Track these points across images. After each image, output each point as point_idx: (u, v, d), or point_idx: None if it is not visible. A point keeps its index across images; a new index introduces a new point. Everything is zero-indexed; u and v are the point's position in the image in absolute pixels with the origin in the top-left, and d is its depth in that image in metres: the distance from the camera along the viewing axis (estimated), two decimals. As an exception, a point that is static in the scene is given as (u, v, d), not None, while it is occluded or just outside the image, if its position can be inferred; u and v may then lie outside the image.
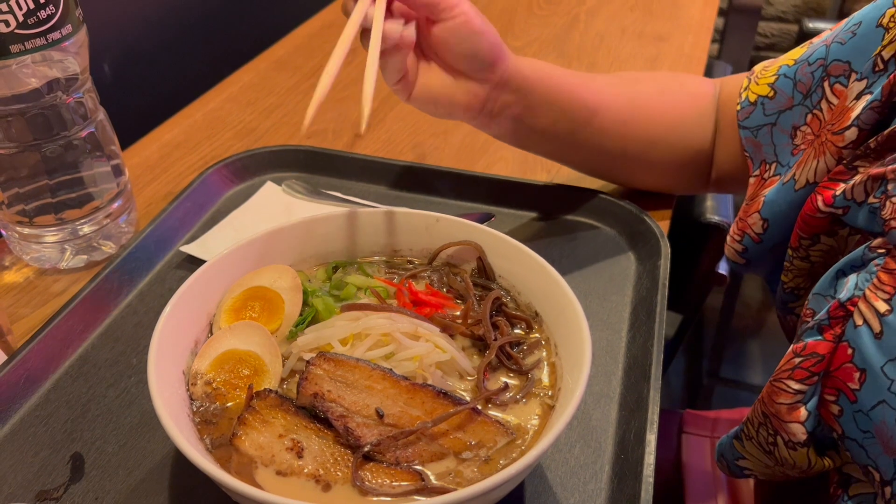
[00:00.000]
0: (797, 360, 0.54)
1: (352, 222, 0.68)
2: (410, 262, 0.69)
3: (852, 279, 0.53)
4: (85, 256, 0.82)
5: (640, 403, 0.64)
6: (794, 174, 0.65)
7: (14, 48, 0.67)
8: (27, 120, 0.72)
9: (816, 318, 0.55)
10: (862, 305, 0.51)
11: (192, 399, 0.55)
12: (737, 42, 2.11)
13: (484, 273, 0.66)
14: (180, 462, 0.60)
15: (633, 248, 0.83)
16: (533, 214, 0.89)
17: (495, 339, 0.58)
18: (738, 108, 0.74)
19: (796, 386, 0.54)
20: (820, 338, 0.54)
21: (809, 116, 0.67)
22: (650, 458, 0.58)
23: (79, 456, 0.61)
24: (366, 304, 0.59)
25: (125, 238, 0.85)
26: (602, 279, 0.79)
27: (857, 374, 0.51)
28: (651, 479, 0.56)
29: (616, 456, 0.61)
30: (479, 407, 0.54)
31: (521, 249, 0.64)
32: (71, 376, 0.68)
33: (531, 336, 0.61)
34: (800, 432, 0.55)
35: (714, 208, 1.10)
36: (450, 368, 0.57)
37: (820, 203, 0.59)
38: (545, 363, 0.59)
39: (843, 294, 0.53)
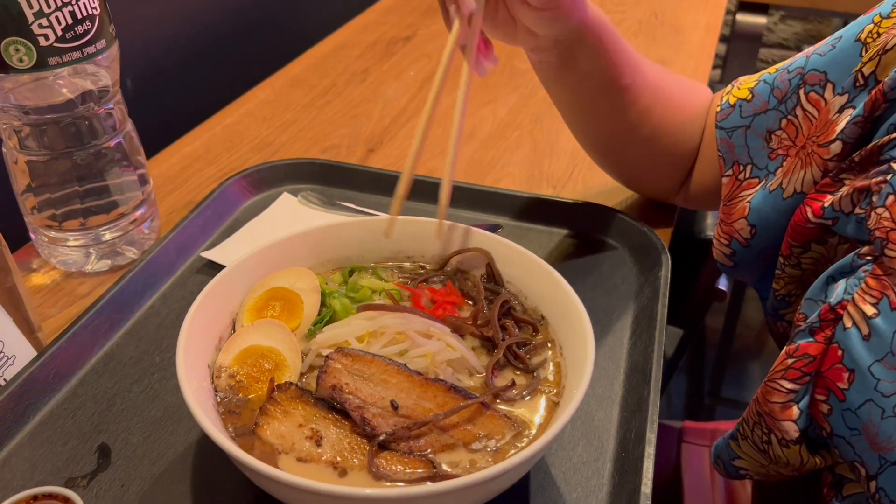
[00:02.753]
0: (790, 360, 0.57)
1: (367, 229, 0.71)
2: (422, 267, 0.72)
3: (842, 284, 0.57)
4: (109, 261, 0.86)
5: (640, 405, 0.67)
6: (781, 183, 0.68)
7: (52, 61, 0.71)
8: (60, 129, 0.76)
9: (808, 321, 0.58)
10: (851, 309, 0.54)
11: (216, 391, 0.58)
12: (738, 68, 2.16)
13: (492, 278, 0.69)
14: (202, 453, 0.63)
15: (635, 261, 0.86)
16: (538, 227, 0.92)
17: (503, 340, 0.61)
18: (718, 109, 0.77)
19: (789, 385, 0.57)
20: (811, 340, 0.57)
21: (784, 122, 0.70)
22: (650, 452, 0.61)
23: (105, 446, 0.64)
24: (381, 305, 0.63)
25: (148, 244, 0.88)
26: (606, 289, 0.83)
27: (846, 375, 0.54)
28: (650, 474, 0.59)
29: (617, 454, 0.64)
30: (488, 401, 0.57)
31: (528, 256, 0.67)
32: (97, 372, 0.71)
33: (537, 338, 0.64)
34: (792, 430, 0.58)
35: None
36: (460, 366, 0.60)
37: (809, 214, 0.62)
38: (550, 363, 0.62)
39: (833, 298, 0.56)
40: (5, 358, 0.67)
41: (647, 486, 0.59)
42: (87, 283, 0.84)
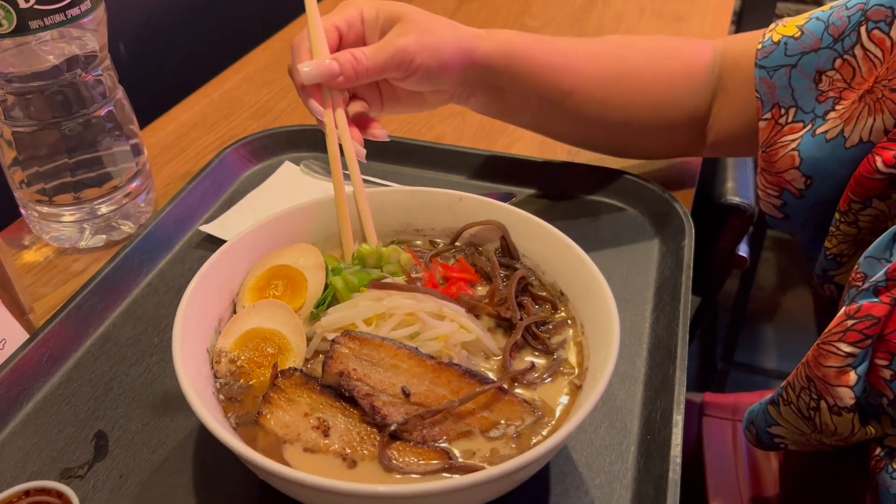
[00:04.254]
0: (850, 322, 0.53)
1: (373, 201, 0.67)
2: (433, 241, 0.68)
3: None
4: (104, 236, 0.82)
5: (665, 384, 0.63)
6: (842, 131, 0.63)
7: (33, 24, 0.67)
8: (46, 98, 0.72)
9: (872, 279, 0.53)
10: None
11: (216, 377, 0.55)
12: (755, 22, 2.08)
13: (508, 252, 0.65)
14: (204, 440, 0.60)
15: (656, 229, 0.82)
16: (554, 194, 0.88)
17: (521, 319, 0.57)
18: (760, 46, 0.71)
19: (847, 349, 0.52)
20: (876, 300, 0.52)
21: (839, 62, 0.65)
22: (677, 439, 0.57)
23: (102, 434, 0.61)
24: (389, 284, 0.59)
25: (144, 217, 0.84)
26: (625, 260, 0.79)
27: None
28: (678, 460, 0.56)
29: (642, 436, 0.61)
30: (506, 386, 0.53)
31: (546, 228, 0.63)
32: (93, 355, 0.68)
33: (557, 316, 0.60)
34: (847, 397, 0.53)
35: (735, 189, 1.09)
36: (475, 348, 0.56)
37: (879, 164, 0.57)
38: (571, 343, 0.58)
39: None
40: (-5, 342, 0.64)
41: (675, 473, 0.55)
42: (82, 259, 0.80)
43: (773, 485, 0.88)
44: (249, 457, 0.45)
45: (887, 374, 0.52)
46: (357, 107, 0.71)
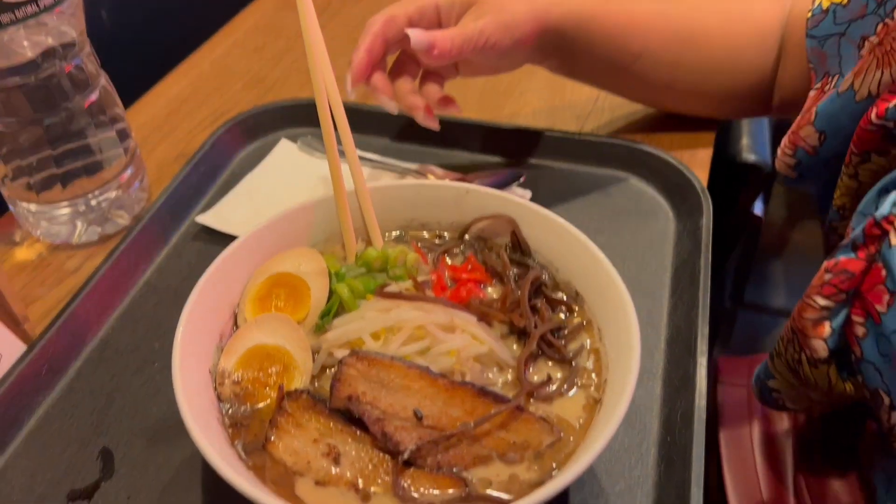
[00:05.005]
0: (827, 276, 0.53)
1: (376, 197, 0.63)
2: (440, 236, 0.65)
3: (892, 196, 0.51)
4: (98, 228, 0.79)
5: (685, 382, 0.61)
6: (853, 83, 0.61)
7: (3, 18, 0.62)
8: (25, 93, 0.68)
9: (852, 235, 0.53)
10: None
11: (220, 400, 0.53)
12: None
13: (519, 248, 0.62)
14: (212, 457, 0.58)
15: (671, 205, 0.79)
16: (564, 167, 0.84)
17: (535, 328, 0.55)
18: (809, 14, 0.70)
19: (823, 302, 0.53)
20: (853, 255, 0.52)
21: (880, 26, 0.63)
22: (699, 443, 0.55)
23: (107, 451, 0.59)
24: (397, 294, 0.56)
25: (139, 207, 0.81)
26: (639, 240, 0.75)
27: (886, 297, 0.50)
28: (702, 463, 0.54)
29: (662, 438, 0.59)
30: (522, 404, 0.51)
31: (559, 224, 0.60)
32: (93, 363, 0.66)
33: (573, 319, 0.58)
34: (821, 349, 0.54)
35: (750, 147, 1.05)
36: (488, 360, 0.54)
37: (873, 115, 0.56)
38: (589, 350, 0.55)
39: (881, 211, 0.50)
40: (-9, 358, 0.62)
41: (698, 480, 0.53)
42: (76, 256, 0.77)
43: (787, 455, 0.87)
44: (262, 501, 0.43)
45: (860, 331, 0.52)
46: (432, 84, 0.75)
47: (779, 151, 0.71)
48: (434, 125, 0.74)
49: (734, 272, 2.26)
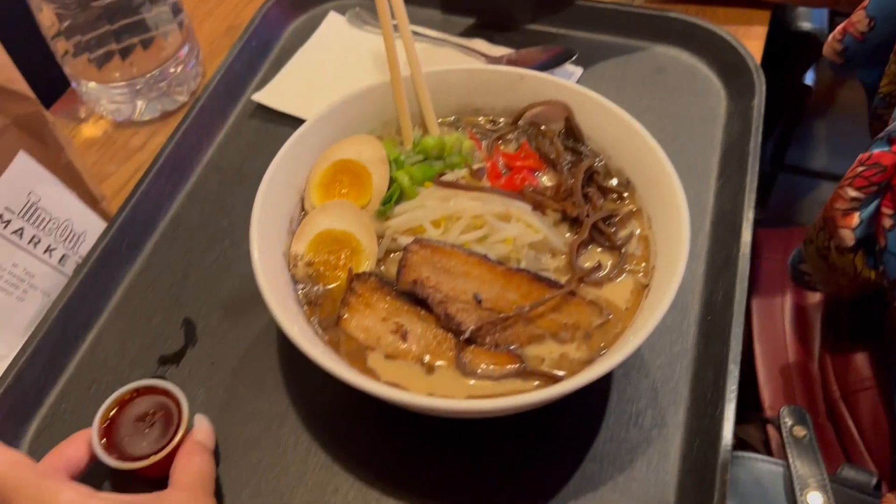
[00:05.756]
0: (860, 168, 0.55)
1: (431, 82, 0.64)
2: (494, 122, 0.66)
3: None
4: (158, 105, 0.81)
5: (728, 263, 0.64)
6: None
7: None
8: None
9: (887, 129, 0.55)
10: None
11: (295, 281, 0.57)
12: None
13: (572, 134, 0.63)
14: (285, 328, 0.63)
15: (723, 83, 0.78)
16: (614, 42, 0.83)
17: (588, 216, 0.57)
18: None
19: (853, 193, 0.56)
20: (886, 149, 0.54)
21: None
22: (738, 323, 0.59)
23: (189, 322, 0.65)
24: (454, 183, 0.58)
25: (195, 83, 0.83)
26: (689, 119, 0.76)
27: None
28: (739, 346, 0.58)
29: (703, 317, 0.63)
30: (574, 288, 0.54)
31: (613, 111, 0.61)
32: (167, 239, 0.70)
33: (623, 207, 0.60)
34: (848, 238, 0.57)
35: (807, 15, 1.01)
36: (542, 247, 0.57)
37: None
38: (638, 237, 0.58)
39: None
40: (75, 235, 0.67)
41: (735, 357, 0.57)
42: (140, 133, 0.80)
43: (815, 328, 0.91)
44: (347, 378, 0.48)
45: (888, 222, 0.55)
46: None
47: (829, 37, 0.70)
48: None
49: (777, 136, 2.22)
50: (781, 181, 2.10)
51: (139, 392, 0.55)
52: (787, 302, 0.95)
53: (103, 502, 0.46)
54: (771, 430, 0.83)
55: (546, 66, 0.77)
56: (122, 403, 0.54)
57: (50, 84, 0.73)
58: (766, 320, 0.94)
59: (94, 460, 0.52)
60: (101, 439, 0.52)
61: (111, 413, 0.53)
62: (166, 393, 0.55)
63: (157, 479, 0.52)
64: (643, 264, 0.57)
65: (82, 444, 0.52)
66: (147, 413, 0.54)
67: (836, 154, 2.13)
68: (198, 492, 0.50)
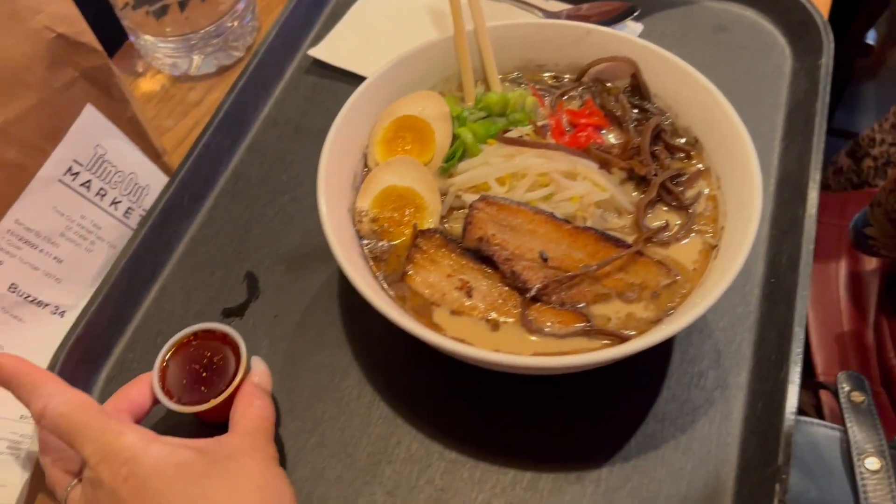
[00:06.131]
0: None
1: (495, 35, 0.64)
2: (557, 78, 0.65)
3: None
4: (215, 60, 0.81)
5: (793, 224, 0.63)
6: None
7: None
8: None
9: None
10: None
11: (360, 237, 0.57)
12: None
13: (638, 91, 0.62)
14: (345, 279, 0.64)
15: (789, 41, 0.76)
16: (678, 1, 0.81)
17: (655, 174, 0.57)
18: None
19: None
20: None
21: None
22: (804, 285, 0.58)
23: (252, 275, 0.65)
24: (520, 140, 0.58)
25: (251, 38, 0.83)
26: (752, 78, 0.74)
27: None
28: (804, 310, 0.57)
29: (766, 279, 0.62)
30: (641, 248, 0.54)
31: (682, 67, 0.59)
32: (228, 194, 0.71)
33: (691, 166, 0.59)
34: None
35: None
36: (609, 206, 0.57)
37: None
38: (706, 196, 0.57)
39: None
40: (140, 188, 0.67)
41: (801, 320, 0.57)
42: (197, 88, 0.81)
43: (871, 295, 0.90)
44: (418, 333, 0.48)
45: None
46: None
47: None
48: None
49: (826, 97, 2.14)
50: (828, 144, 2.05)
51: (197, 336, 0.55)
52: (843, 268, 0.94)
53: (165, 446, 0.46)
54: (824, 395, 0.83)
55: (607, 22, 0.75)
56: (182, 348, 0.54)
57: (108, 38, 0.73)
58: (821, 286, 0.93)
59: (156, 403, 0.52)
60: (161, 383, 0.52)
61: (171, 357, 0.54)
62: (224, 337, 0.55)
63: (217, 423, 0.53)
64: (712, 224, 0.56)
65: (145, 386, 0.52)
66: (205, 357, 0.54)
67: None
68: (259, 437, 0.50)
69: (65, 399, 0.47)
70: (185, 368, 0.53)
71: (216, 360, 0.54)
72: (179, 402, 0.52)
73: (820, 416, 0.78)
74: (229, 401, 0.52)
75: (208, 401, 0.52)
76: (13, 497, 0.55)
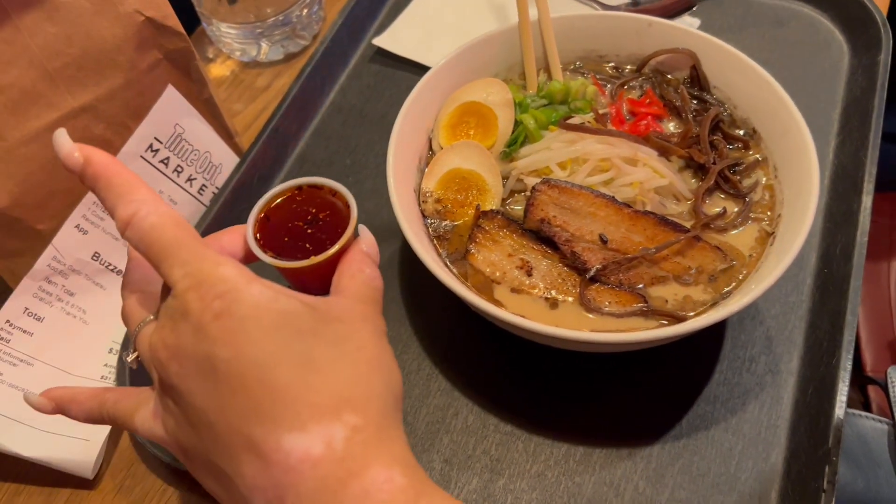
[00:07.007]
0: None
1: (558, 26, 0.66)
2: (617, 68, 0.67)
3: None
4: (282, 48, 0.84)
5: (848, 217, 0.64)
6: None
7: None
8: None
9: None
10: None
11: (424, 216, 0.60)
12: None
13: (698, 83, 0.64)
14: (406, 261, 0.66)
15: (847, 37, 0.77)
16: (734, -5, 0.82)
17: (714, 163, 0.58)
18: None
19: None
20: None
21: None
22: (858, 276, 0.59)
23: (317, 252, 0.68)
24: (581, 126, 0.60)
25: (317, 27, 0.86)
26: (810, 72, 0.75)
27: None
28: (858, 300, 0.58)
29: (819, 270, 0.63)
30: (699, 233, 0.56)
31: (742, 59, 0.61)
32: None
33: (748, 156, 0.60)
34: None
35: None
36: (667, 192, 0.58)
37: None
38: (763, 185, 0.59)
39: None
40: (213, 167, 0.71)
41: (854, 309, 0.58)
42: (265, 74, 0.84)
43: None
44: (477, 304, 0.50)
45: None
46: None
47: None
48: None
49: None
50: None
51: (301, 190, 0.47)
52: (893, 266, 0.94)
53: (268, 289, 0.38)
54: (872, 390, 0.83)
55: (665, 16, 0.76)
56: (283, 201, 0.46)
57: (183, 24, 0.77)
58: (871, 283, 0.93)
59: (249, 261, 0.45)
60: (256, 234, 0.45)
61: (270, 210, 0.46)
62: (333, 193, 0.47)
63: (313, 289, 0.44)
64: (768, 212, 0.58)
65: (238, 236, 0.45)
66: (310, 214, 0.46)
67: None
68: (371, 307, 0.42)
69: (159, 210, 0.39)
70: (285, 224, 0.46)
71: (322, 218, 0.46)
72: (277, 257, 0.44)
73: (868, 411, 0.78)
74: (333, 263, 0.44)
75: (308, 257, 0.44)
76: (95, 451, 0.58)
